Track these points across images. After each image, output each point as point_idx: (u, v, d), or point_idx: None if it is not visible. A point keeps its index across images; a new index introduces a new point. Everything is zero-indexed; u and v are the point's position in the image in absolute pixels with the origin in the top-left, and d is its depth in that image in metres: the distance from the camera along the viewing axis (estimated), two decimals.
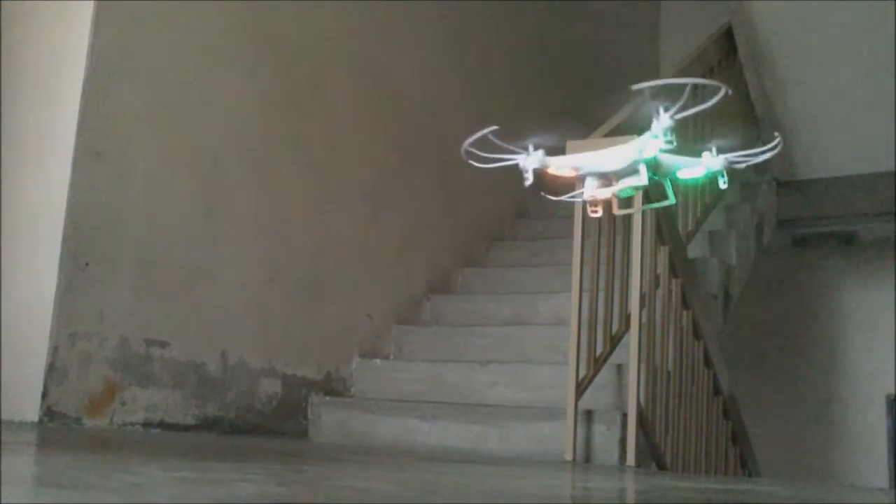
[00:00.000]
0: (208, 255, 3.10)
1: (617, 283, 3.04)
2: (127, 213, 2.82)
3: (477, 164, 1.39)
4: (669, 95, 1.32)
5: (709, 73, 4.31)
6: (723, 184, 1.43)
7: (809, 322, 7.24)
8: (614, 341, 3.04)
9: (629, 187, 1.40)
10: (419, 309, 4.16)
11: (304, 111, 3.56)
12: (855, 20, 4.53)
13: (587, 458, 2.86)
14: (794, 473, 6.36)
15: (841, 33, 4.65)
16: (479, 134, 1.35)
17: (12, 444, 1.94)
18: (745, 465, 4.05)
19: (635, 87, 1.31)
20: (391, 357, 3.87)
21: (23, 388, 2.57)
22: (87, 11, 2.73)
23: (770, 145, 1.47)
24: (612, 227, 3.06)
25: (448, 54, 4.62)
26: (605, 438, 2.85)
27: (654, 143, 1.33)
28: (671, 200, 1.48)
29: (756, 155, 1.46)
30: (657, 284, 3.13)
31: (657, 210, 3.07)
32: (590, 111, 5.76)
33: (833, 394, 7.05)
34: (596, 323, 2.98)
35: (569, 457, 2.80)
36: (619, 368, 3.08)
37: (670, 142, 1.32)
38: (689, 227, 3.86)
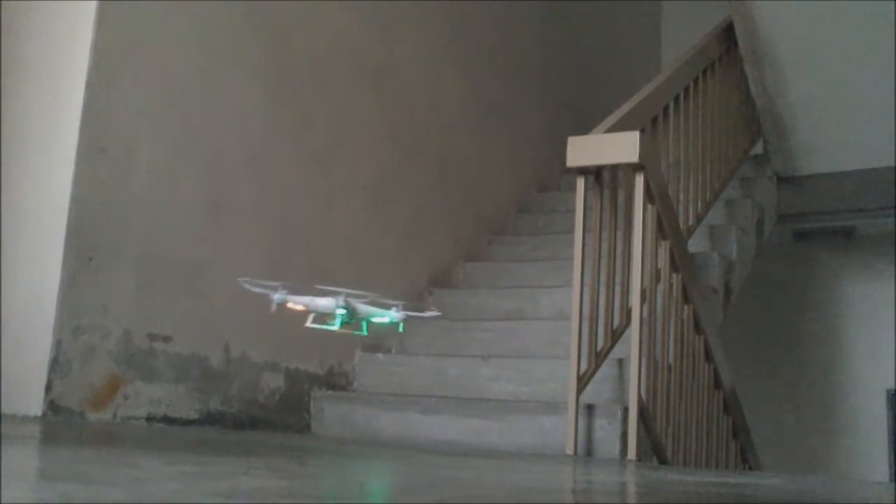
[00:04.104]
0: (211, 249, 3.11)
1: (618, 278, 3.06)
2: (130, 208, 2.82)
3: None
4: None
5: (710, 68, 4.32)
6: (400, 328, 2.29)
7: (810, 316, 7.26)
8: (615, 336, 3.06)
9: (332, 322, 2.17)
10: (421, 303, 4.17)
11: (306, 105, 3.57)
12: (856, 15, 4.53)
13: (588, 452, 2.87)
14: (794, 467, 6.37)
15: (841, 28, 4.65)
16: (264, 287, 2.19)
17: (15, 438, 1.95)
18: (746, 459, 4.06)
19: (320, 286, 2.12)
20: (393, 351, 3.88)
21: (26, 382, 2.58)
22: (90, 6, 2.73)
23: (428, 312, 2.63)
24: (614, 222, 3.07)
25: (449, 48, 4.62)
26: (606, 432, 2.87)
27: (339, 310, 2.12)
28: (363, 332, 2.22)
29: (420, 313, 2.58)
30: (658, 279, 3.14)
31: (658, 205, 3.09)
32: (590, 105, 5.77)
33: (834, 388, 7.06)
34: (597, 317, 2.99)
35: (570, 451, 2.82)
36: (621, 363, 3.09)
37: (344, 313, 2.15)
38: (690, 222, 3.87)
